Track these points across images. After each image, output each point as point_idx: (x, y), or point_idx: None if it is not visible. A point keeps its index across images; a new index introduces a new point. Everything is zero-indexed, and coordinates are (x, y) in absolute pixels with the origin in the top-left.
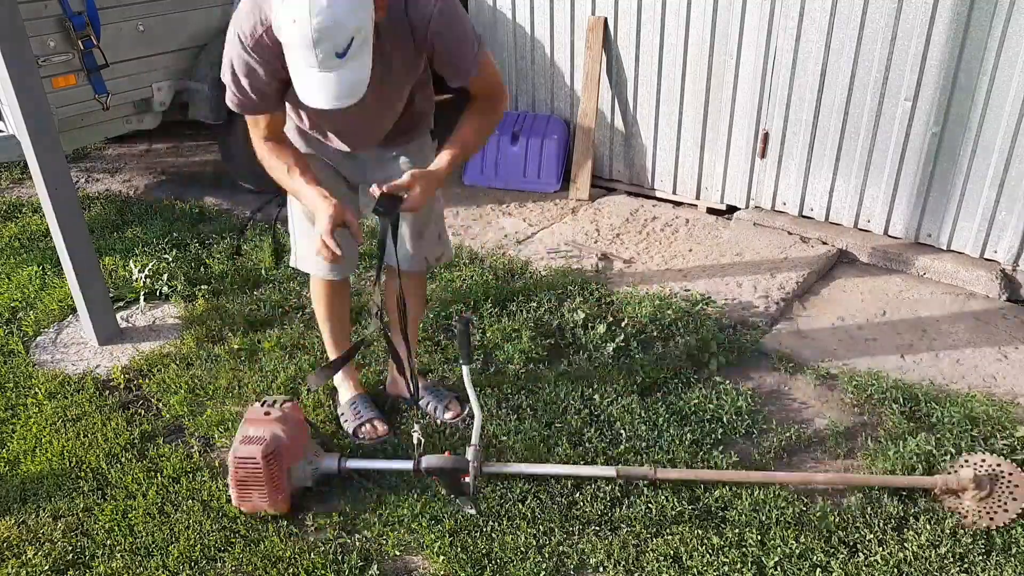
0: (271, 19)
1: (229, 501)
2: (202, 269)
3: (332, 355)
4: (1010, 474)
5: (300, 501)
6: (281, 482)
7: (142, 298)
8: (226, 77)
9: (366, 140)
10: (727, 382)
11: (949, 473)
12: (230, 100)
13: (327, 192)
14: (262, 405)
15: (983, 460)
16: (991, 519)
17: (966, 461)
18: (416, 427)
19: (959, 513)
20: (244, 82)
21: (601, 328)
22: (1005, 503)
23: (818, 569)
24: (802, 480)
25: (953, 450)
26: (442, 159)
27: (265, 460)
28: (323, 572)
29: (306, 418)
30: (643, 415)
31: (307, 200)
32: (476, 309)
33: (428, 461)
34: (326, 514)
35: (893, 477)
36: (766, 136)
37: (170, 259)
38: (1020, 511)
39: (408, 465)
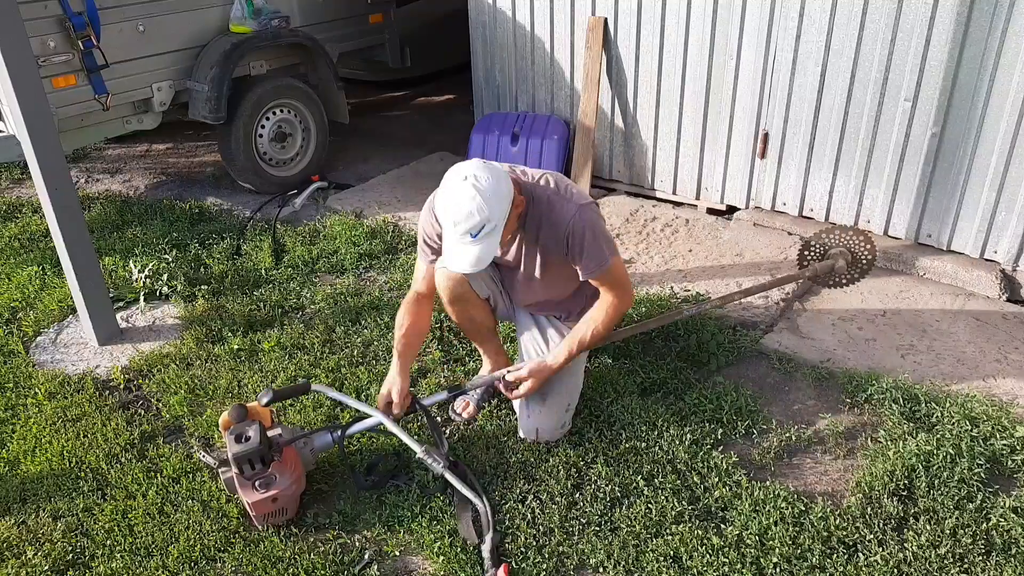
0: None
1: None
2: (202, 269)
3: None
4: (855, 236)
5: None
6: (299, 491)
7: (142, 298)
8: (419, 239)
9: (522, 299)
10: (727, 382)
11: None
12: (420, 250)
13: (399, 372)
14: (248, 479)
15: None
16: (860, 275)
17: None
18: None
19: (833, 284)
20: (426, 248)
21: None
22: (863, 261)
23: (817, 570)
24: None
25: (952, 451)
26: (559, 354)
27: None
28: (323, 572)
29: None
30: (643, 415)
31: (392, 365)
32: None
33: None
34: (326, 514)
35: (771, 280)
36: (766, 136)
37: (170, 259)
38: (871, 259)
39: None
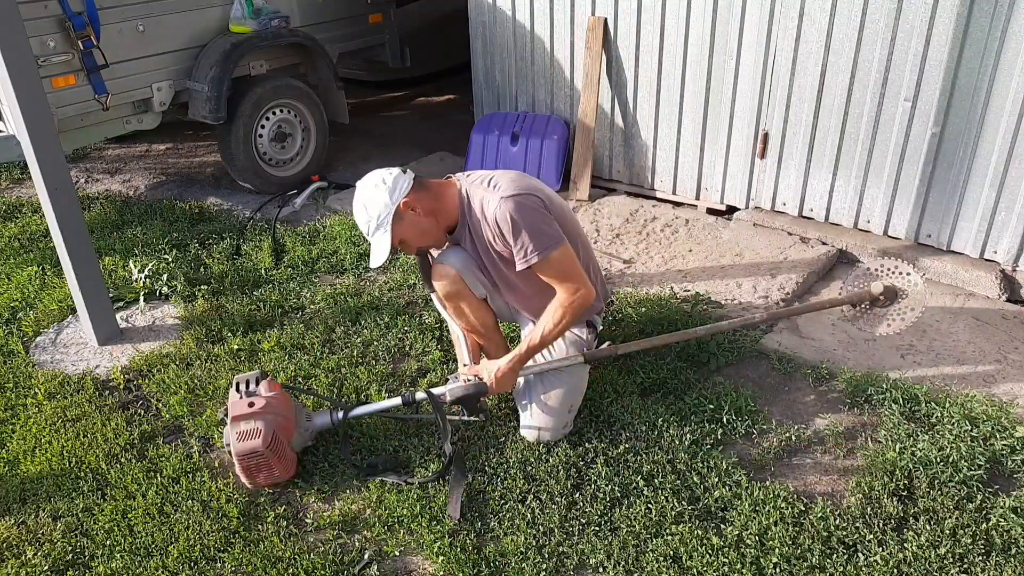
0: None
1: (229, 501)
2: (202, 269)
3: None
4: (908, 294)
5: (301, 500)
6: (286, 456)
7: (142, 298)
8: None
9: (516, 302)
10: (727, 382)
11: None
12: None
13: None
14: (241, 396)
15: (896, 268)
16: (888, 327)
17: (881, 266)
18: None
19: (854, 316)
20: None
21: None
22: (903, 316)
23: (817, 570)
24: (742, 323)
25: (952, 451)
26: (512, 353)
27: (268, 448)
28: (323, 572)
29: (284, 385)
30: (643, 415)
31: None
32: None
33: (451, 392)
34: (326, 514)
35: (817, 301)
36: (766, 136)
37: (170, 259)
38: (907, 326)
39: (398, 400)
